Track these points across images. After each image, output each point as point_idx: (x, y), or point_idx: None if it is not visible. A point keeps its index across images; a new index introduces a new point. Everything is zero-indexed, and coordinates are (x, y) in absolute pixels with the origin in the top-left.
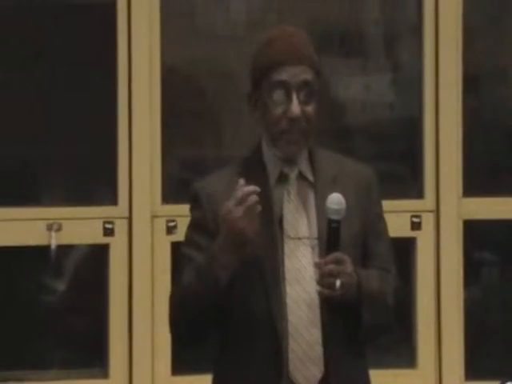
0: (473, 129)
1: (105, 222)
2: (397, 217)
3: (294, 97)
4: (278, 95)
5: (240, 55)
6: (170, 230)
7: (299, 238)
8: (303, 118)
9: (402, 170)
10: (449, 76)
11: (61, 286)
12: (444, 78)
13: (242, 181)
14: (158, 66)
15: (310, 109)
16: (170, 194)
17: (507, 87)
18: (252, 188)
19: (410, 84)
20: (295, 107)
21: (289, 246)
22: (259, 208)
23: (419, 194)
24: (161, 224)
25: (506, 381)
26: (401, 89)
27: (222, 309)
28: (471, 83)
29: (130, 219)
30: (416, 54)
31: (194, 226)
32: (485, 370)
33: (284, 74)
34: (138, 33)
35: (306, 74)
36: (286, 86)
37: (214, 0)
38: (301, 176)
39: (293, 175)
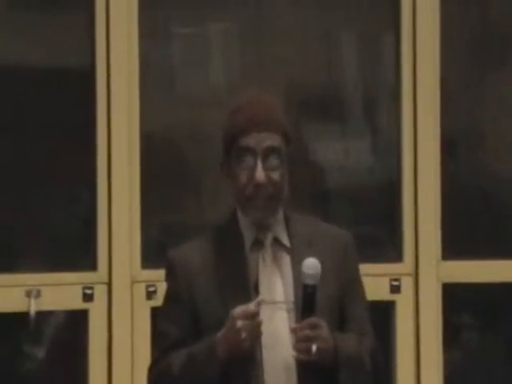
0: (451, 192)
1: (84, 288)
2: (376, 280)
3: (259, 163)
4: (245, 162)
5: (219, 120)
6: (149, 295)
7: (275, 303)
8: (269, 183)
9: (381, 234)
10: (427, 140)
11: (40, 352)
12: (422, 142)
13: (261, 298)
14: (137, 132)
15: (276, 174)
16: (150, 258)
17: (485, 151)
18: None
19: (388, 148)
20: (259, 173)
21: (265, 311)
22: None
23: (398, 257)
24: (140, 289)
25: None
26: (380, 153)
27: None
28: (449, 147)
29: (109, 284)
30: (394, 119)
31: (168, 297)
32: None
33: (250, 141)
34: (116, 99)
35: (273, 140)
36: (252, 153)
37: (193, 66)
38: (276, 241)
39: (267, 241)
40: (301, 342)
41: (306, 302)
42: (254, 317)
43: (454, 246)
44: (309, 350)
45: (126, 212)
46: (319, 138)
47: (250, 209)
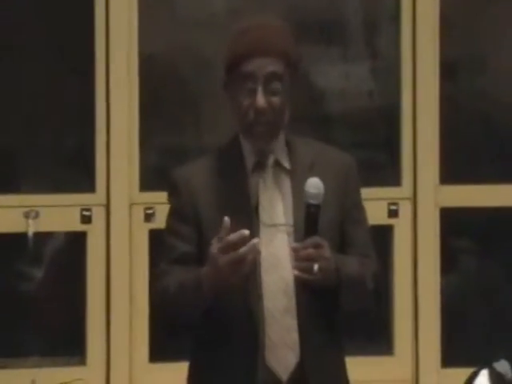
0: (450, 116)
1: (82, 210)
2: (374, 204)
3: (260, 88)
4: (246, 87)
5: (220, 43)
6: (148, 218)
7: (275, 225)
8: (270, 109)
9: (380, 158)
10: (426, 64)
11: (38, 273)
12: (421, 66)
13: (227, 220)
14: (136, 55)
15: (276, 100)
16: (148, 181)
17: (485, 75)
18: (239, 235)
19: (388, 72)
20: (260, 99)
21: (265, 234)
22: (250, 258)
23: (396, 181)
24: (139, 211)
25: (482, 368)
26: (379, 77)
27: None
28: (449, 71)
29: (107, 206)
30: (394, 42)
31: (173, 214)
32: (461, 357)
33: (251, 66)
34: (116, 21)
35: (274, 66)
36: (253, 78)
37: None
38: (277, 164)
39: (268, 163)
40: (303, 261)
41: (308, 221)
42: (234, 247)
43: (453, 170)
44: (310, 269)
45: (125, 134)
46: (319, 61)
47: (250, 134)
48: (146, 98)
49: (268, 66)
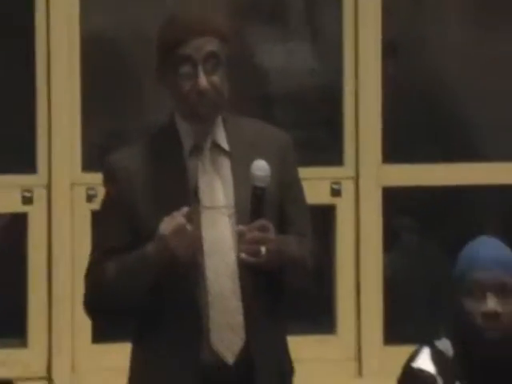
0: (393, 96)
1: (23, 191)
2: (317, 184)
3: (200, 69)
4: (185, 70)
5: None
6: (90, 198)
7: (215, 208)
8: (212, 89)
9: (322, 137)
10: (369, 43)
11: None
12: (364, 45)
13: (187, 209)
14: (78, 33)
15: (217, 79)
16: (91, 162)
17: (427, 55)
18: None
19: (330, 51)
20: (202, 80)
21: (206, 217)
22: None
23: (339, 161)
24: (81, 192)
25: (424, 346)
26: (321, 56)
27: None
28: (391, 50)
29: (49, 187)
30: (336, 21)
31: (107, 203)
32: (404, 335)
33: (188, 49)
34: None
35: (211, 45)
36: (191, 60)
37: None
38: (215, 145)
39: (206, 145)
40: (249, 244)
41: (254, 204)
42: (182, 228)
43: (395, 149)
44: (258, 252)
45: (67, 114)
46: (261, 40)
47: (193, 117)
48: (88, 77)
49: (205, 46)
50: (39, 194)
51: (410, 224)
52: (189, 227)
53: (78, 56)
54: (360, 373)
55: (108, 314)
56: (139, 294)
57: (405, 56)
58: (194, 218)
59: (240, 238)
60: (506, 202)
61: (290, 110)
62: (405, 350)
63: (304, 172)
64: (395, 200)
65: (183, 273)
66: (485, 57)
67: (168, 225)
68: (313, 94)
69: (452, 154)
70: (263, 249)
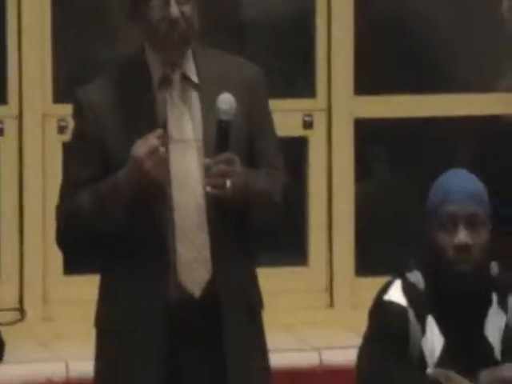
0: (365, 26)
1: None
2: (289, 116)
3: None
4: (156, 1)
5: None
6: (61, 130)
7: (184, 141)
8: (182, 19)
9: (294, 68)
10: None
11: None
12: None
13: (160, 131)
14: None
15: (188, 9)
16: (62, 93)
17: None
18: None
19: None
20: (173, 9)
21: (174, 150)
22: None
23: (311, 92)
24: (52, 123)
25: (395, 278)
26: None
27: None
28: None
29: (20, 118)
30: None
31: (76, 136)
32: (375, 267)
33: None
34: None
35: None
36: None
37: None
38: (184, 78)
39: (176, 77)
40: (215, 177)
41: (220, 137)
42: (155, 149)
43: (366, 81)
44: (223, 185)
45: (38, 45)
46: None
47: (163, 46)
48: (58, 7)
49: None
50: (10, 126)
51: (382, 155)
52: (162, 150)
53: None
54: (331, 304)
55: (80, 245)
56: (111, 222)
57: None
58: (165, 143)
59: (206, 171)
60: (474, 133)
61: (263, 40)
62: (376, 282)
63: (276, 104)
64: (366, 131)
65: (153, 200)
66: None
67: (142, 146)
68: (285, 25)
69: (423, 85)
70: (228, 182)
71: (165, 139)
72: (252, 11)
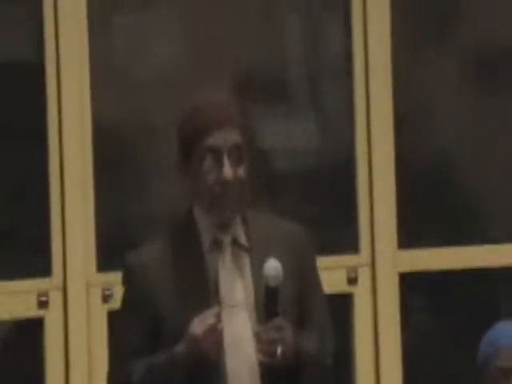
0: (406, 178)
1: (39, 295)
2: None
3: (226, 161)
4: (210, 161)
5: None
6: (105, 299)
7: (236, 306)
8: (236, 181)
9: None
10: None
11: None
12: (375, 121)
13: (217, 308)
14: (90, 126)
15: (241, 171)
16: (106, 261)
17: (440, 126)
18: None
19: (338, 131)
20: (228, 171)
21: (226, 315)
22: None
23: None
24: (97, 292)
25: None
26: (328, 135)
27: None
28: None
29: (64, 290)
30: (346, 96)
31: (126, 304)
32: None
33: (213, 140)
34: (67, 91)
35: (235, 137)
36: (216, 152)
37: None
38: (234, 241)
39: (226, 241)
40: (265, 344)
41: (268, 304)
42: (213, 329)
43: (410, 234)
44: (274, 353)
45: (80, 216)
46: (265, 120)
47: (216, 207)
48: (100, 164)
49: (230, 138)
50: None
51: (428, 309)
52: (219, 327)
53: (91, 151)
54: None
55: None
56: None
57: (414, 131)
58: (220, 320)
59: (257, 338)
60: None
61: (298, 196)
62: None
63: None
64: (412, 285)
65: (208, 372)
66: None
67: (199, 325)
68: (322, 176)
69: (463, 237)
70: (279, 349)
71: (220, 316)
72: (285, 167)
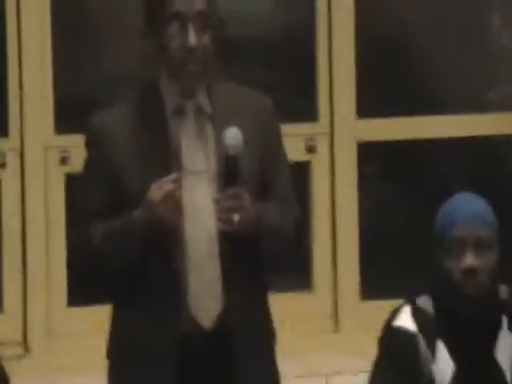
0: (365, 52)
1: None
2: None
3: (190, 27)
4: (174, 27)
5: None
6: (63, 161)
7: (197, 172)
8: (201, 48)
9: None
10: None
11: None
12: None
13: (175, 175)
14: None
15: (206, 39)
16: (64, 124)
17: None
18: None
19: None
20: (192, 38)
21: (187, 181)
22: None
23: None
24: (54, 155)
25: (404, 304)
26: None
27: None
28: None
29: (21, 151)
30: None
31: (89, 166)
32: (380, 291)
33: (178, 5)
34: None
35: (201, 4)
36: (181, 17)
37: None
38: (198, 108)
39: (190, 108)
40: (223, 212)
41: (228, 172)
42: (171, 195)
43: (369, 103)
44: (231, 221)
45: (38, 77)
46: None
47: (181, 74)
48: (58, 27)
49: (195, 4)
50: (12, 158)
51: (384, 176)
52: (177, 193)
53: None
54: (337, 329)
55: (101, 275)
56: (125, 258)
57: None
58: (180, 186)
59: (215, 205)
60: (473, 154)
61: (260, 59)
62: (382, 306)
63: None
64: (370, 154)
65: (166, 237)
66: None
67: (157, 191)
68: (284, 45)
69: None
70: (236, 217)
71: (179, 182)
72: (253, 28)
